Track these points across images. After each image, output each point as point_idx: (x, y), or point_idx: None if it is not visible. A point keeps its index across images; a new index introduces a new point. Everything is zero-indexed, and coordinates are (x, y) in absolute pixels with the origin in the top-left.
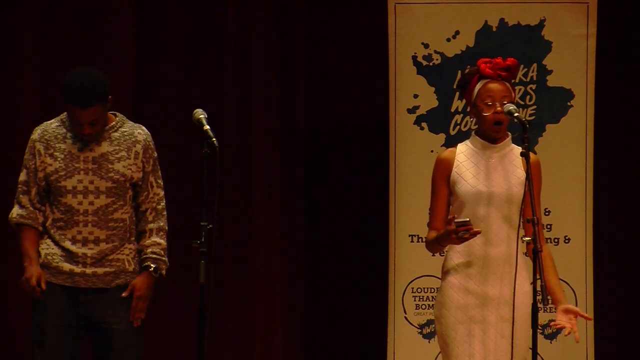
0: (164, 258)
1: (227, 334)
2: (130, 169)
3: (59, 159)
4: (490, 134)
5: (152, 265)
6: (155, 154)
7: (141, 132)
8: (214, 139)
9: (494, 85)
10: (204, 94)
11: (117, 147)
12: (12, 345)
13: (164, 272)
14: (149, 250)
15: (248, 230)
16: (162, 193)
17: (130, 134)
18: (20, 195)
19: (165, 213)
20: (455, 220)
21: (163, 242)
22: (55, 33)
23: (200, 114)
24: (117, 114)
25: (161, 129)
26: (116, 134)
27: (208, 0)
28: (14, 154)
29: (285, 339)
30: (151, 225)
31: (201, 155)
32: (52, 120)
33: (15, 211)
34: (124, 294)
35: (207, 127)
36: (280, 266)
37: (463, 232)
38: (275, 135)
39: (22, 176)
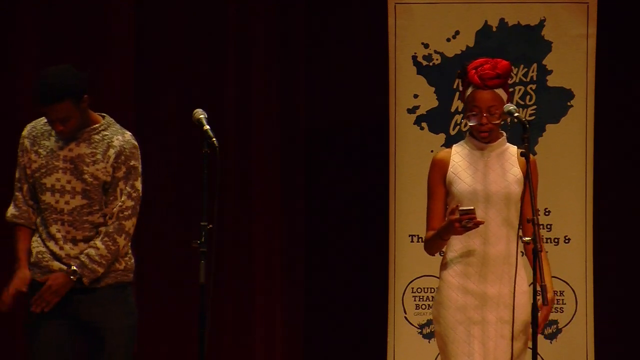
0: (91, 265)
1: (227, 334)
2: (103, 173)
3: (42, 155)
4: (479, 140)
5: (75, 268)
6: (133, 163)
7: (120, 138)
8: (214, 139)
9: (481, 95)
10: (204, 94)
11: (94, 150)
12: (12, 345)
13: (85, 280)
14: (84, 252)
15: (248, 230)
16: (130, 204)
17: (110, 139)
18: (16, 193)
19: (126, 224)
20: (460, 208)
21: (102, 247)
22: (55, 33)
23: (200, 114)
24: (106, 116)
25: (161, 129)
26: (97, 137)
27: (208, 0)
28: (14, 154)
29: (285, 339)
30: (102, 228)
31: (201, 155)
32: (42, 118)
33: (10, 210)
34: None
35: (207, 127)
36: (280, 266)
37: (467, 221)
38: (276, 135)
39: (17, 173)
